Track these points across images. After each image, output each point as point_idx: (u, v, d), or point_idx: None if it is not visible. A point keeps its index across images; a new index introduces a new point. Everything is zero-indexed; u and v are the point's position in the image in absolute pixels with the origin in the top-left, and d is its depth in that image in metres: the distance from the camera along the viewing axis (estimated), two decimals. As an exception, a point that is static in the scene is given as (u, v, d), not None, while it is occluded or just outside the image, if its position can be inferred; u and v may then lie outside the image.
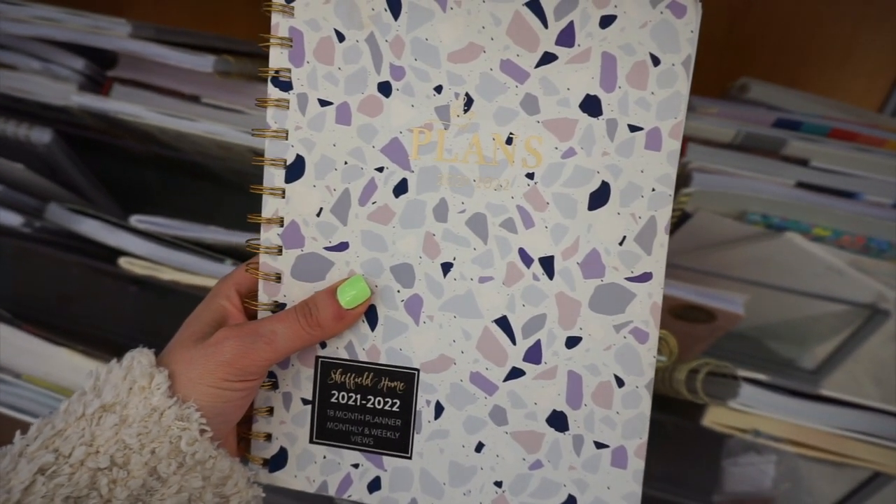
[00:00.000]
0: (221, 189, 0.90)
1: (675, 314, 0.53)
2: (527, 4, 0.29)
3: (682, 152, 0.51)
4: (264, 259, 0.32)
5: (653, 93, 0.29)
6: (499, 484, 0.31)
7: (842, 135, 0.49)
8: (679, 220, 0.53)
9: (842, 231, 0.49)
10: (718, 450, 0.53)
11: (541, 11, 0.29)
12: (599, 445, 0.31)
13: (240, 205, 0.94)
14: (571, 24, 0.29)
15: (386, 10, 0.30)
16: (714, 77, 0.56)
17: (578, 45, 0.29)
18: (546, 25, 0.29)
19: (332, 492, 0.33)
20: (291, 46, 0.30)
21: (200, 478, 0.28)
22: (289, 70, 0.31)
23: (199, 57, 0.53)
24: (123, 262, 0.54)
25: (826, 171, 0.49)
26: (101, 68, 0.60)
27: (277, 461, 0.33)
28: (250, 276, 0.33)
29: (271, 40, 0.31)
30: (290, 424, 0.33)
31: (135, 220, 0.55)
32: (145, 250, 0.55)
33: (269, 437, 0.33)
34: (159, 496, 0.27)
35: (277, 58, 0.31)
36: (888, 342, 0.84)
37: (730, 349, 0.76)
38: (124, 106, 0.58)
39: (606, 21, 0.29)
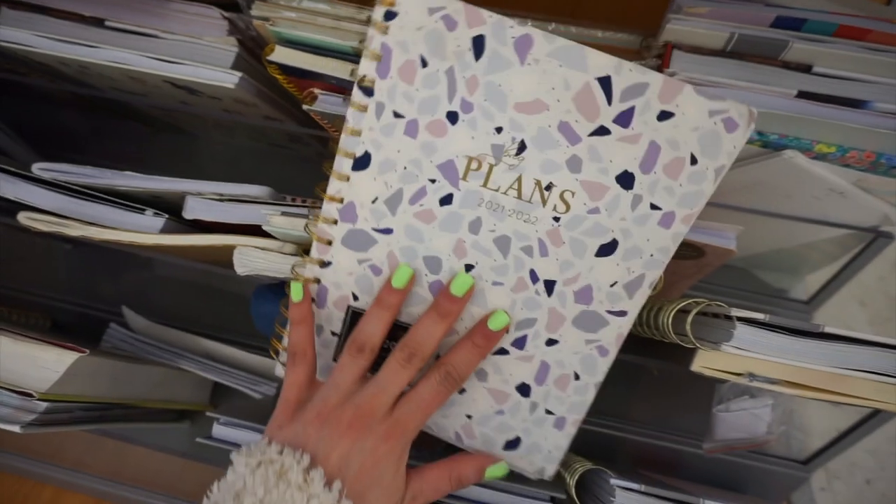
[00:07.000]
0: (152, 130, 0.80)
1: (660, 249, 0.47)
2: (599, 79, 0.32)
3: (666, 62, 0.44)
4: (321, 226, 0.38)
5: (681, 185, 0.33)
6: (469, 416, 0.40)
7: (850, 32, 0.42)
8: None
9: (848, 147, 0.42)
10: (708, 393, 0.49)
11: (609, 89, 0.32)
12: (548, 412, 0.39)
13: (171, 145, 0.85)
14: (632, 108, 0.32)
15: (470, 49, 0.33)
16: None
17: (632, 129, 0.33)
18: (609, 103, 0.32)
19: None
20: (380, 60, 0.34)
21: None
22: (373, 80, 0.34)
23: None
24: (23, 217, 0.46)
25: (832, 77, 0.42)
26: (-19, -11, 0.51)
27: None
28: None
29: (363, 51, 0.34)
30: (319, 347, 0.40)
31: (37, 168, 0.47)
32: (49, 202, 0.47)
33: None
34: None
35: (366, 66, 0.34)
36: (880, 265, 0.80)
37: (715, 281, 0.71)
38: (9, 32, 0.49)
39: (664, 115, 0.32)
